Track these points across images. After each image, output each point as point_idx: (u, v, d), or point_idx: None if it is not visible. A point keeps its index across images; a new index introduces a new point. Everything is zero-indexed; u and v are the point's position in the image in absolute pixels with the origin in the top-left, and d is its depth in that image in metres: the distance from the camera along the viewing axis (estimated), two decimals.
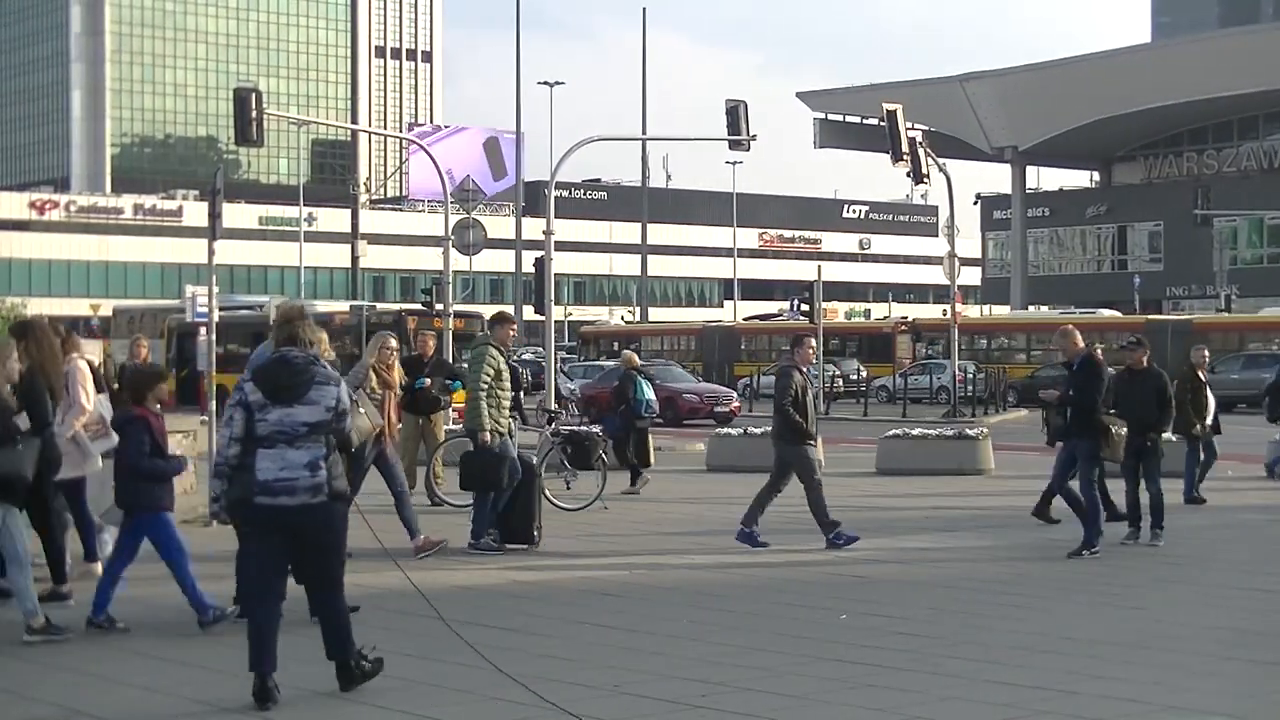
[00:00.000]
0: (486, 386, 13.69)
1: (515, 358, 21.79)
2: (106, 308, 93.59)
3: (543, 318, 30.07)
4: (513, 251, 59.03)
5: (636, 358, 22.48)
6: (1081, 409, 13.87)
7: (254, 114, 29.06)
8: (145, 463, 9.95)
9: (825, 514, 14.22)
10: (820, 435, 15.06)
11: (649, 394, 20.57)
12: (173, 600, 11.29)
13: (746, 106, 32.07)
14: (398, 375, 14.54)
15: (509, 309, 74.13)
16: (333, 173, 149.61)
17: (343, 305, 45.59)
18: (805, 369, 14.74)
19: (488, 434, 13.64)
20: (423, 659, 9.25)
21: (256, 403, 8.03)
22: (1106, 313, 67.91)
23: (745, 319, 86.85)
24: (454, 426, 22.04)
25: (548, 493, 16.58)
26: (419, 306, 42.34)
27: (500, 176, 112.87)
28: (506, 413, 14.04)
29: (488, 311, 51.13)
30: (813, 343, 15.30)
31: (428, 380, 19.25)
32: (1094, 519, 13.88)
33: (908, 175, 37.70)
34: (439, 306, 33.49)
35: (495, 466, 13.70)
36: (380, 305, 52.77)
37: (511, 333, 14.47)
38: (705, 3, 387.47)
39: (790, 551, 14.06)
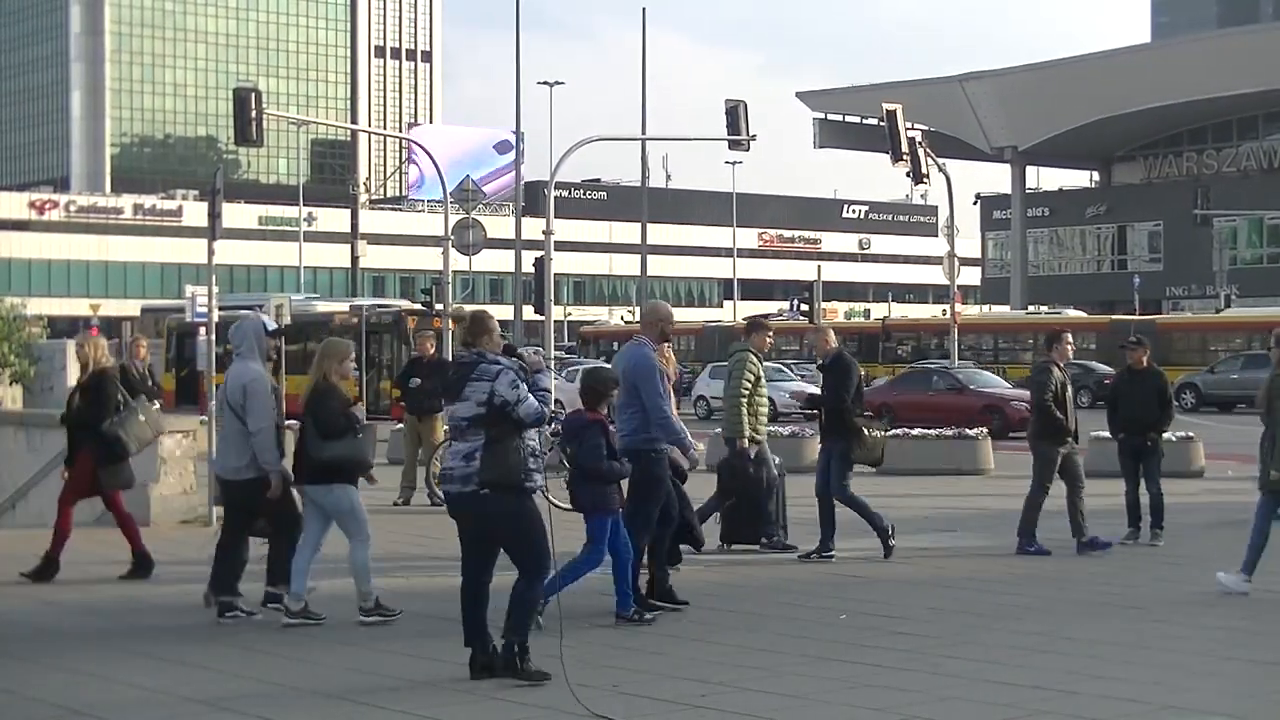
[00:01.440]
0: (746, 392, 13.37)
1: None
2: (106, 308, 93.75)
3: (542, 318, 30.06)
4: (513, 251, 58.98)
5: (539, 357, 23.20)
6: (831, 409, 13.51)
7: (254, 114, 29.07)
8: (604, 465, 10.30)
9: (1033, 521, 13.84)
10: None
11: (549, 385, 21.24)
12: (173, 600, 11.30)
13: (746, 106, 32.09)
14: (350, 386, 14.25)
15: (508, 309, 74.15)
16: (332, 173, 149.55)
17: (342, 305, 45.56)
18: (1063, 365, 14.20)
19: (746, 440, 13.37)
20: (422, 659, 9.24)
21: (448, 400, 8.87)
22: (1072, 312, 68.10)
23: (745, 319, 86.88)
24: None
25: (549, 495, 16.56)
26: (419, 306, 42.35)
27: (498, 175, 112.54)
28: (765, 420, 13.80)
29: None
30: (1070, 338, 14.61)
31: (419, 380, 19.26)
32: (832, 529, 13.48)
33: (907, 175, 37.63)
34: (439, 306, 33.49)
35: (751, 473, 13.45)
36: (381, 303, 52.72)
37: (769, 339, 14.22)
38: (705, 3, 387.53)
39: (790, 551, 14.04)
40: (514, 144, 62.95)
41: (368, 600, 10.35)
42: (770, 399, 14.54)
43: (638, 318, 69.68)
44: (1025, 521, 13.97)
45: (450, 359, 9.03)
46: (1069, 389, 14.05)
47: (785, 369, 46.27)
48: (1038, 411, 14.06)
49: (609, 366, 11.51)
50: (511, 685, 8.41)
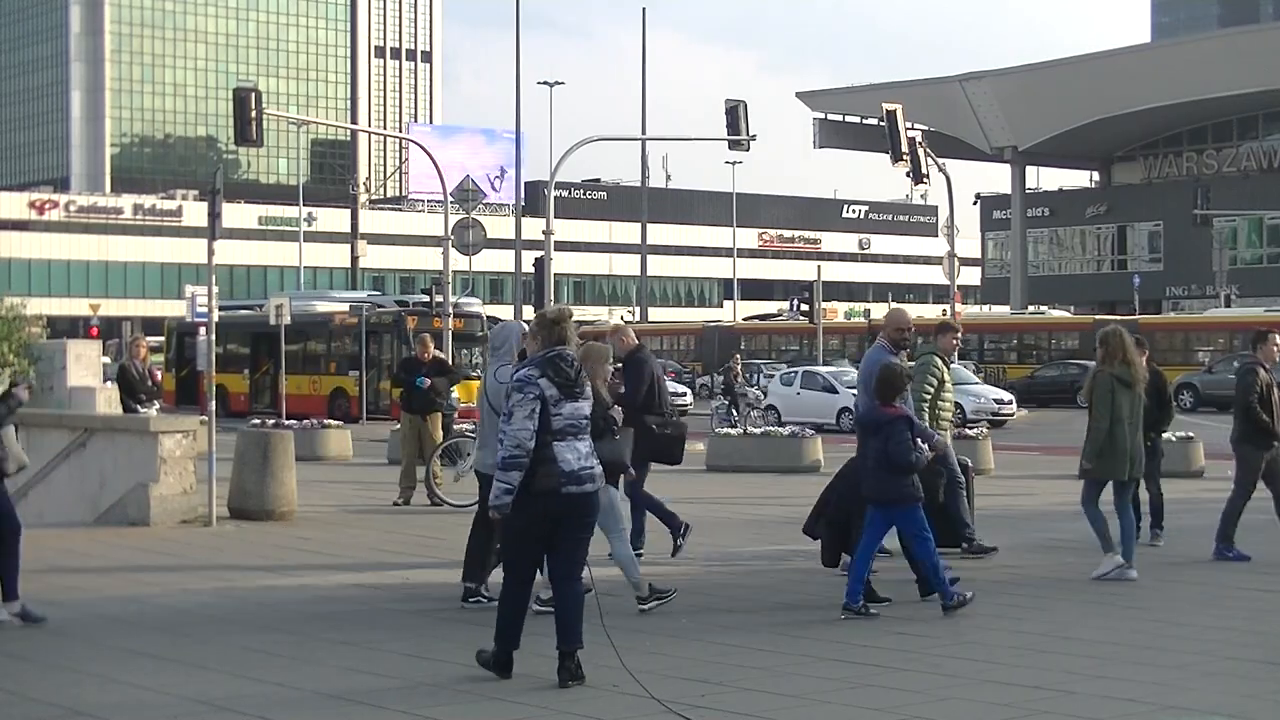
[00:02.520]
0: (929, 395, 13.19)
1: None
2: (106, 307, 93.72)
3: None
4: (512, 251, 58.98)
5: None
6: (628, 408, 13.00)
7: (253, 114, 29.08)
8: (914, 458, 10.71)
9: (1233, 528, 13.51)
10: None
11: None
12: (173, 600, 11.30)
13: (746, 106, 32.11)
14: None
15: (508, 309, 74.00)
16: (332, 173, 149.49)
17: (342, 305, 45.54)
18: (1269, 366, 13.74)
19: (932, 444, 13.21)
20: (423, 659, 9.24)
21: (553, 397, 8.48)
22: (1056, 313, 68.18)
23: (745, 319, 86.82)
24: (456, 425, 22.02)
25: None
26: (419, 306, 42.33)
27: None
28: (949, 423, 13.68)
29: (487, 311, 50.64)
30: (1278, 339, 14.04)
31: (428, 380, 19.27)
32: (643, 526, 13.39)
33: (907, 175, 37.68)
34: (439, 298, 33.46)
35: (929, 476, 13.39)
36: (381, 300, 52.70)
37: (955, 342, 14.08)
38: (705, 2, 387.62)
39: (790, 551, 14.04)
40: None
41: (641, 589, 10.79)
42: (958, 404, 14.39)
43: (638, 318, 69.62)
44: (1224, 527, 13.52)
45: (567, 355, 8.77)
46: (1275, 390, 13.57)
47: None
48: (1241, 414, 13.58)
49: (899, 362, 11.70)
50: (512, 685, 8.41)
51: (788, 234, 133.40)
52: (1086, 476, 12.70)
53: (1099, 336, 13.00)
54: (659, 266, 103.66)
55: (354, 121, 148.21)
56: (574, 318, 8.99)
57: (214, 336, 18.00)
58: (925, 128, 58.17)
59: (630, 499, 12.93)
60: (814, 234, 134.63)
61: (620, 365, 13.43)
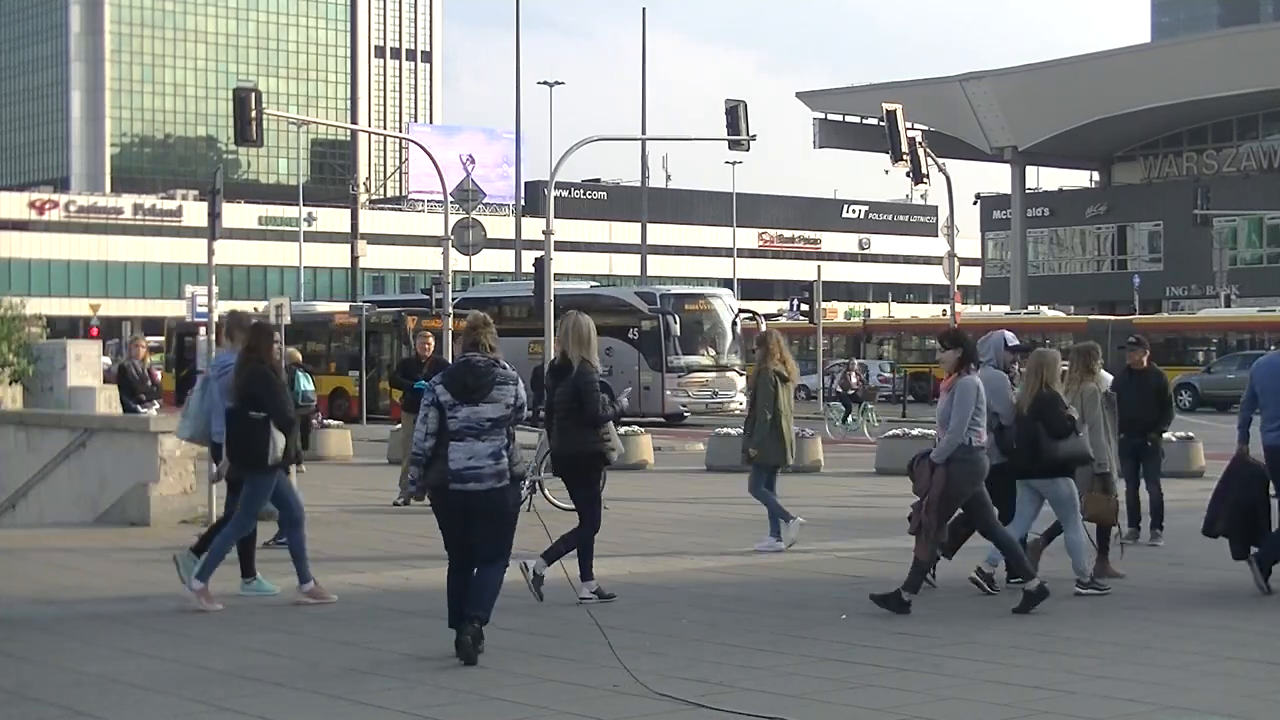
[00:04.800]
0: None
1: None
2: (106, 307, 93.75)
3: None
4: (512, 251, 58.98)
5: (299, 354, 24.32)
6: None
7: (253, 114, 29.05)
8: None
9: None
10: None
11: (308, 386, 21.91)
12: (173, 601, 11.30)
13: (746, 106, 32.07)
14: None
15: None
16: (332, 173, 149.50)
17: (342, 305, 45.55)
18: None
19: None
20: (421, 659, 9.25)
21: (447, 403, 9.16)
22: (1050, 313, 68.09)
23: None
24: None
25: (547, 492, 16.58)
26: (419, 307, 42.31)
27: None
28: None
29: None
30: None
31: (426, 383, 19.26)
32: None
33: (907, 175, 37.57)
34: (438, 295, 33.43)
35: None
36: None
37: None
38: (705, 2, 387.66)
39: (790, 551, 14.06)
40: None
41: (1084, 576, 11.63)
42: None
43: None
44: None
45: (474, 360, 9.24)
46: None
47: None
48: None
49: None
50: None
51: (788, 234, 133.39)
52: (753, 463, 14.11)
53: (757, 338, 14.17)
54: (659, 266, 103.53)
55: (354, 121, 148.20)
56: (489, 324, 9.44)
57: (214, 336, 18.01)
58: (925, 128, 58.09)
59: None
60: (814, 234, 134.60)
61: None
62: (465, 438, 9.08)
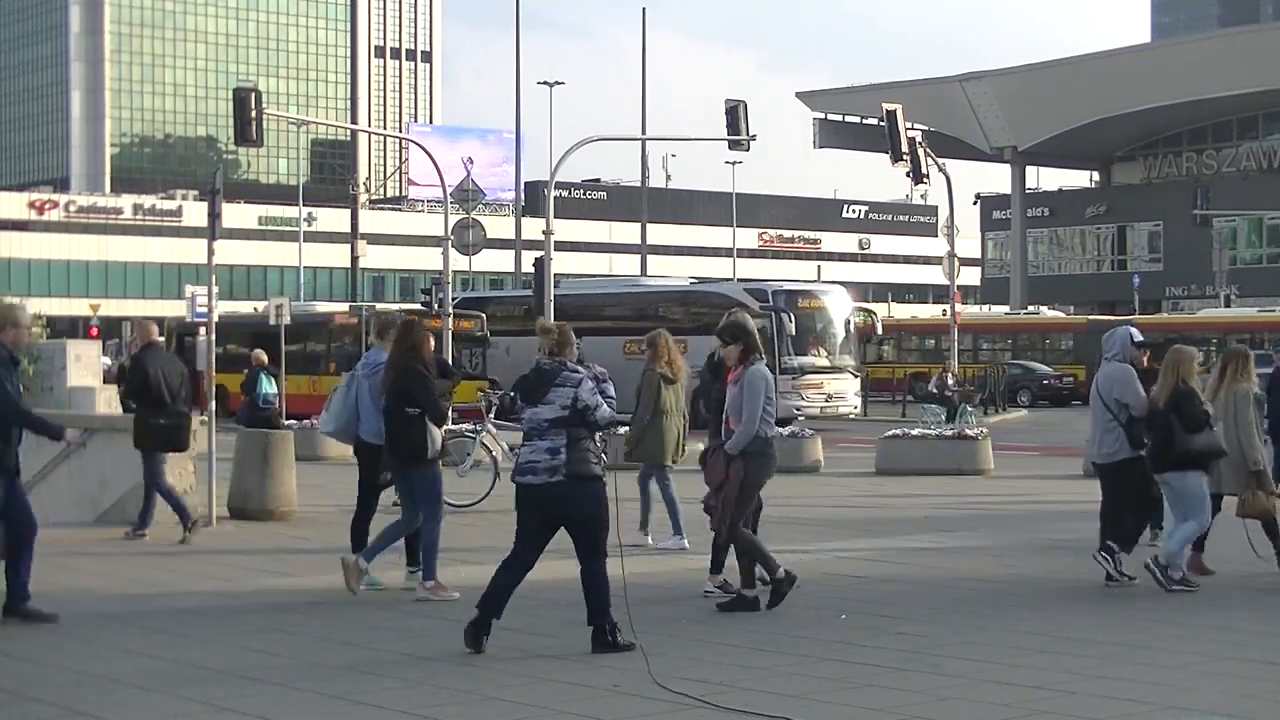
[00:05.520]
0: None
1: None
2: (106, 307, 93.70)
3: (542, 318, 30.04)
4: (512, 251, 59.01)
5: (265, 356, 24.53)
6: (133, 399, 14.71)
7: (253, 114, 29.03)
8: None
9: None
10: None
11: (270, 388, 22.29)
12: (173, 600, 11.30)
13: (746, 106, 32.08)
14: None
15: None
16: (332, 173, 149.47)
17: (342, 305, 45.53)
18: None
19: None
20: (421, 659, 9.25)
21: (518, 404, 9.78)
22: (1050, 313, 67.94)
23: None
24: (452, 426, 22.00)
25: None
26: (419, 307, 42.30)
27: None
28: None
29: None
30: None
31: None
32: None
33: (907, 175, 37.57)
34: (436, 306, 33.45)
35: None
36: (380, 305, 52.74)
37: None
38: (705, 2, 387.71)
39: (790, 552, 14.05)
40: (514, 151, 62.89)
41: (1176, 571, 11.65)
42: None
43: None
44: None
45: (541, 364, 9.73)
46: None
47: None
48: None
49: None
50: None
51: (788, 234, 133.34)
52: (631, 459, 14.55)
53: (647, 339, 14.75)
54: (659, 266, 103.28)
55: (354, 121, 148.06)
56: (550, 331, 9.94)
57: (214, 336, 18.00)
58: (925, 128, 58.06)
59: (159, 491, 14.63)
60: (814, 234, 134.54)
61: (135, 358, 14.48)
62: (531, 436, 9.55)
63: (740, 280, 44.57)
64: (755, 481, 10.97)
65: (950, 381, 33.91)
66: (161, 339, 15.61)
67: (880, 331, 42.33)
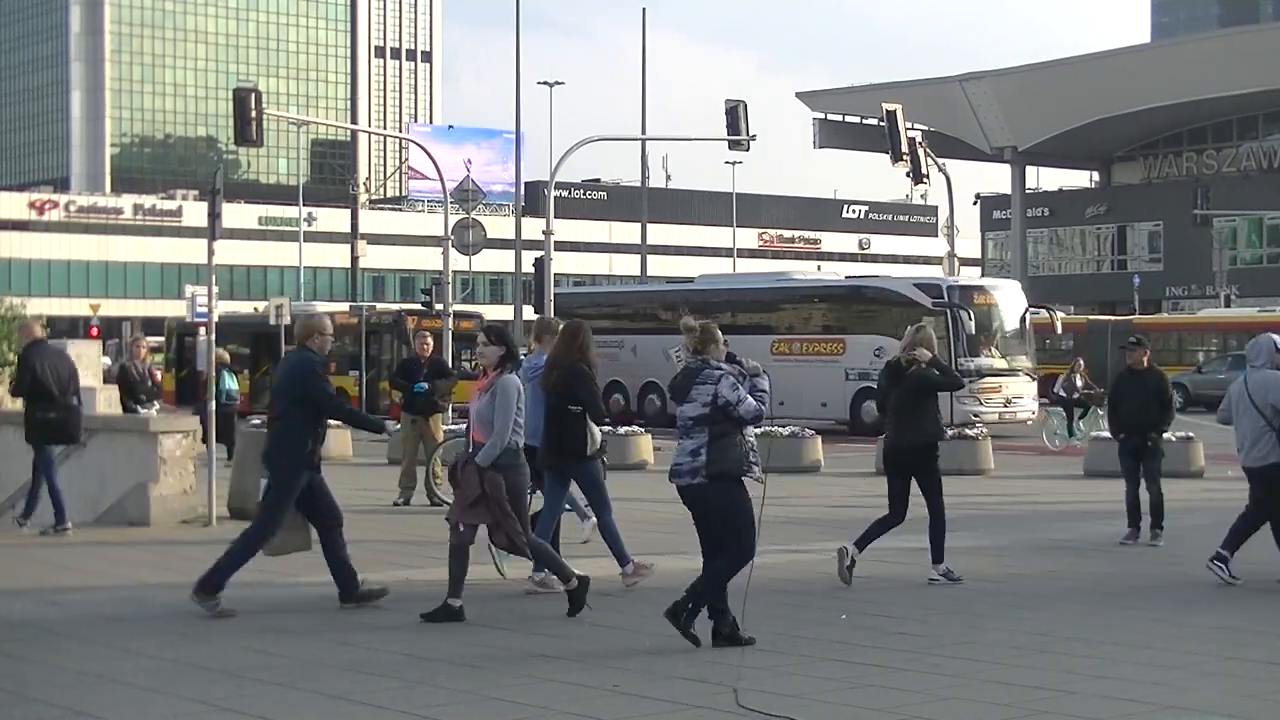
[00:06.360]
0: None
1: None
2: (106, 307, 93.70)
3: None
4: (512, 251, 58.96)
5: (227, 356, 24.44)
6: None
7: (253, 114, 29.06)
8: None
9: None
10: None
11: (232, 385, 22.30)
12: (174, 601, 11.30)
13: (746, 106, 32.12)
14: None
15: (508, 309, 73.96)
16: (332, 173, 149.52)
17: (342, 306, 45.50)
18: None
19: None
20: (420, 659, 9.24)
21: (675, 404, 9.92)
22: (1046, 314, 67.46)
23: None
24: (452, 426, 22.02)
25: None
26: (418, 307, 42.29)
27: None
28: None
29: (488, 312, 50.41)
30: None
31: (426, 385, 19.24)
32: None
33: (907, 175, 37.68)
34: (438, 307, 33.48)
35: None
36: (380, 305, 52.72)
37: None
38: (705, 2, 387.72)
39: (790, 552, 14.05)
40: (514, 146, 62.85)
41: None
42: None
43: None
44: None
45: (689, 364, 9.91)
46: None
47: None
48: None
49: None
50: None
51: (788, 234, 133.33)
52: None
53: (534, 330, 14.66)
54: (659, 266, 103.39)
55: (354, 121, 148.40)
56: (694, 329, 9.92)
57: (214, 336, 18.00)
58: (925, 128, 58.10)
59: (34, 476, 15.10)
60: (814, 234, 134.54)
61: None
62: (681, 436, 9.77)
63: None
64: (519, 487, 10.65)
65: (1079, 383, 31.08)
66: (45, 335, 15.91)
67: (1060, 330, 38.92)
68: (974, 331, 33.48)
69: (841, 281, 40.28)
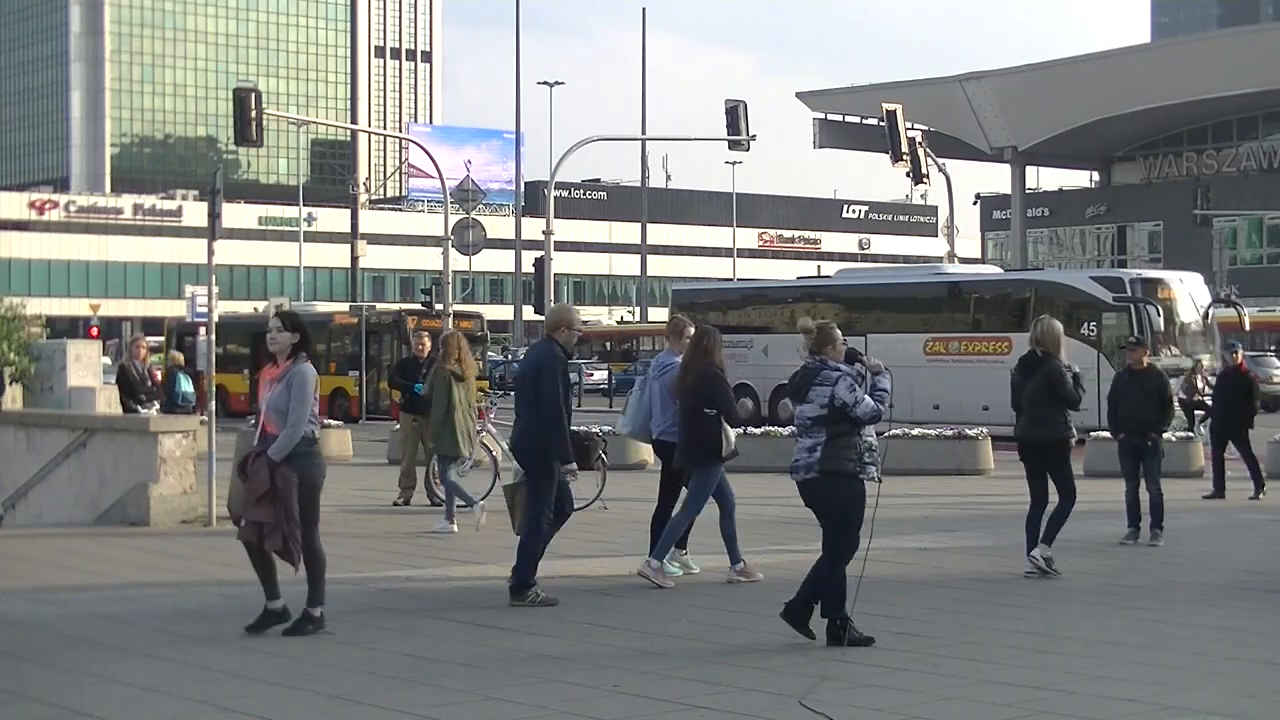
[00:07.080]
0: None
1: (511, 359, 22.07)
2: (106, 308, 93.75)
3: (542, 318, 30.05)
4: (513, 251, 59.04)
5: (181, 357, 24.80)
6: None
7: (253, 114, 29.08)
8: None
9: None
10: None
11: (187, 388, 22.31)
12: (173, 600, 11.30)
13: (746, 106, 32.14)
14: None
15: (508, 309, 74.03)
16: (332, 173, 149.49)
17: (342, 306, 45.53)
18: None
19: None
20: (421, 659, 9.24)
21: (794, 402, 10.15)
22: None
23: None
24: None
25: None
26: (418, 307, 42.30)
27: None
28: None
29: (488, 312, 50.40)
30: None
31: (423, 387, 19.23)
32: None
33: (907, 175, 37.72)
34: (438, 307, 33.50)
35: None
36: (380, 305, 52.75)
37: None
38: (705, 2, 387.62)
39: (790, 552, 14.05)
40: (514, 147, 62.86)
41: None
42: None
43: (638, 318, 69.11)
44: None
45: (806, 364, 10.15)
46: None
47: None
48: None
49: None
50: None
51: (788, 234, 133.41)
52: (433, 454, 15.91)
53: (441, 339, 16.35)
54: (659, 266, 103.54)
55: (354, 121, 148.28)
56: (812, 330, 10.07)
57: (214, 336, 17.99)
58: (925, 128, 58.08)
59: None
60: (814, 234, 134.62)
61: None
62: (800, 434, 10.01)
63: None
64: (314, 484, 10.01)
65: (1200, 385, 28.70)
66: (41, 335, 16.08)
67: (1247, 327, 36.20)
68: (1161, 328, 31.50)
69: (1009, 276, 38.46)
